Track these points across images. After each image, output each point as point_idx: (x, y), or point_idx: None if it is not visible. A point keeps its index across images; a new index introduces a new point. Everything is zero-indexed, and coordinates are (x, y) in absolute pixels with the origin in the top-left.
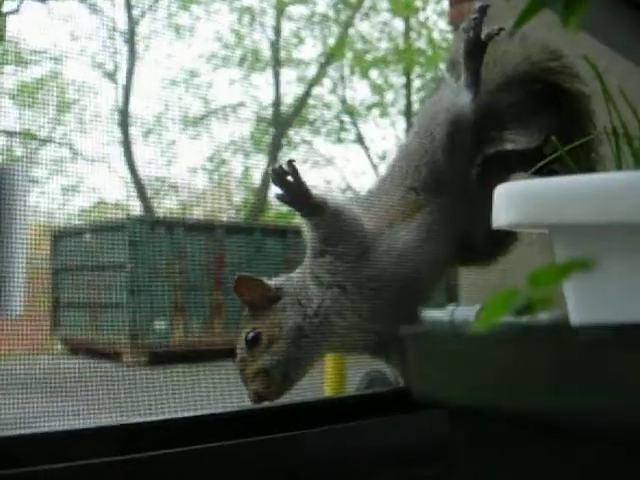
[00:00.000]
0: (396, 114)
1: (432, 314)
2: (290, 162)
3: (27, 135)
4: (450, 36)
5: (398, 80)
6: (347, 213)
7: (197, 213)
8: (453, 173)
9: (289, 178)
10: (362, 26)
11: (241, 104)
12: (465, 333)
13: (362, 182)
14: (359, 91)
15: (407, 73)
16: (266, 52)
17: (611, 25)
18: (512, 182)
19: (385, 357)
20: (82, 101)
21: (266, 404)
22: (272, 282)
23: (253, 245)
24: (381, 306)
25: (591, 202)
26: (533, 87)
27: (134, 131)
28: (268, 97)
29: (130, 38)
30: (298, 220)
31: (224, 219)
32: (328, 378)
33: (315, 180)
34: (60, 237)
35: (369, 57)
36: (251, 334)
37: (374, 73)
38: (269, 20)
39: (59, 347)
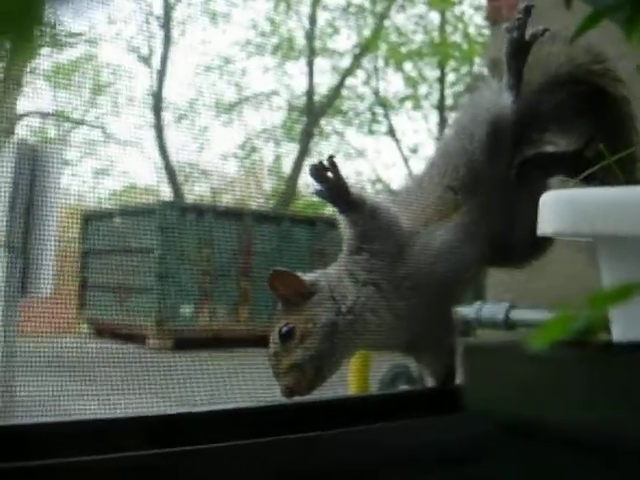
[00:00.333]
0: (429, 107)
1: (459, 311)
2: (330, 158)
3: (61, 116)
4: (486, 31)
5: (432, 73)
6: (385, 211)
7: (227, 200)
8: (491, 174)
9: (329, 174)
10: (398, 18)
11: (274, 92)
12: (522, 351)
13: (392, 174)
14: (392, 83)
15: (441, 67)
16: (301, 41)
17: None
18: (559, 190)
19: (416, 356)
20: (116, 84)
21: (295, 399)
22: (307, 277)
23: (281, 234)
24: (415, 305)
25: (637, 214)
26: (576, 89)
27: (167, 116)
28: (301, 86)
29: (166, 23)
30: (327, 210)
31: (253, 207)
32: (352, 375)
33: (346, 171)
34: (90, 219)
35: (404, 49)
36: (285, 328)
37: (408, 66)
38: (305, 9)
39: (85, 328)
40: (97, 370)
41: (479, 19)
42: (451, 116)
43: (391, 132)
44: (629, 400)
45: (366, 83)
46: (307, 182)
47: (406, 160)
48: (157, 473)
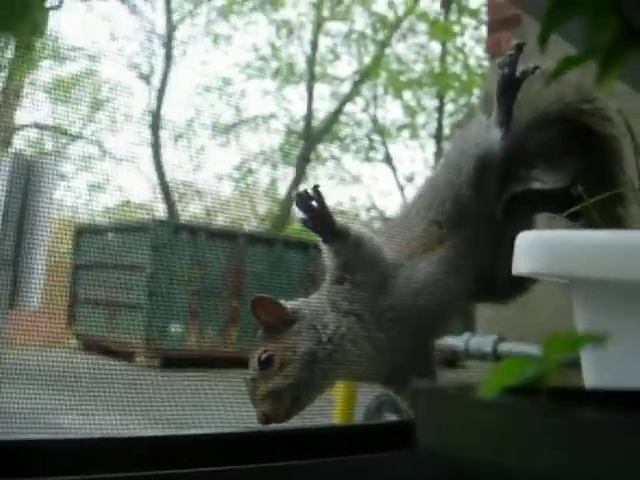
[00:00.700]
0: (426, 137)
1: (448, 341)
2: (315, 187)
3: (58, 130)
4: (486, 63)
5: (431, 103)
6: (369, 242)
7: (220, 220)
8: (478, 209)
9: (313, 203)
10: (399, 47)
11: (272, 115)
12: (471, 396)
13: (388, 202)
14: (391, 111)
15: (440, 97)
16: (301, 66)
17: None
18: (535, 231)
19: (395, 388)
20: (115, 101)
21: (273, 426)
22: (289, 305)
23: (273, 257)
24: (396, 337)
25: (613, 258)
26: (564, 127)
27: (164, 134)
28: (300, 111)
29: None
30: (320, 242)
31: (247, 228)
32: (337, 404)
33: (341, 197)
34: (83, 233)
35: (403, 78)
36: (264, 355)
37: (407, 94)
38: (306, 34)
39: (73, 342)
40: (83, 385)
41: (479, 51)
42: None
43: (388, 160)
44: (571, 450)
45: (365, 110)
46: (299, 218)
47: (402, 188)
48: None
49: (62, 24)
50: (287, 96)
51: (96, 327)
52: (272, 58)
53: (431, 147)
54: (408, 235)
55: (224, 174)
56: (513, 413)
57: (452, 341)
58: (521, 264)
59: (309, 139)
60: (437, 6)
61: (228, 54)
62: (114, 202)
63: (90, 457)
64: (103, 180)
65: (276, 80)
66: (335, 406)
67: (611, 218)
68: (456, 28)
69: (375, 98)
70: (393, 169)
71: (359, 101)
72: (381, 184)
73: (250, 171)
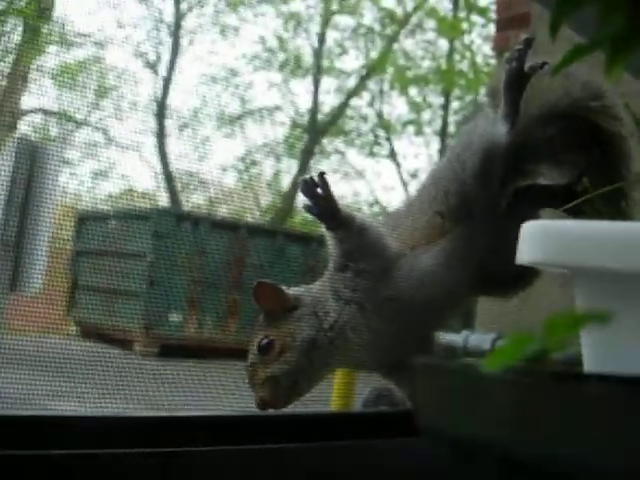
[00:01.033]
0: (431, 134)
1: (447, 338)
2: (321, 174)
3: (64, 116)
4: (493, 61)
5: (437, 100)
6: (373, 231)
7: (223, 211)
8: (481, 202)
9: (318, 190)
10: (406, 43)
11: (278, 108)
12: (474, 371)
13: (391, 197)
14: (397, 107)
15: (446, 94)
16: (308, 59)
17: None
18: (539, 220)
19: (395, 379)
20: (121, 88)
21: (271, 412)
22: (291, 291)
23: (275, 249)
24: (397, 328)
25: (616, 249)
26: (572, 124)
27: (169, 123)
28: (306, 104)
29: (175, 31)
30: (323, 229)
31: (249, 220)
32: (336, 392)
33: (344, 191)
34: (85, 220)
35: (410, 74)
36: (265, 341)
37: (413, 90)
38: (314, 27)
39: (72, 329)
40: (81, 371)
41: (487, 49)
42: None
43: (392, 155)
44: (580, 431)
45: (370, 105)
46: (303, 199)
47: (405, 184)
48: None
49: (69, 10)
50: (293, 89)
51: (95, 314)
52: (279, 50)
53: (436, 144)
54: (411, 226)
55: (228, 165)
56: (517, 389)
57: (451, 338)
58: (524, 253)
59: (314, 132)
60: (446, 3)
61: (235, 45)
62: (117, 190)
63: (88, 433)
64: (107, 167)
65: (282, 73)
66: (334, 394)
67: (615, 212)
68: (464, 26)
69: (381, 93)
70: (397, 165)
71: (365, 96)
72: (385, 179)
73: (254, 163)
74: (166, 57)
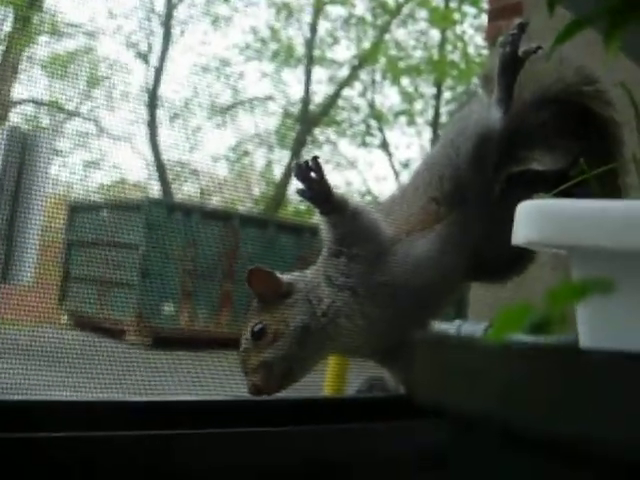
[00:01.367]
0: (423, 124)
1: (439, 327)
2: (315, 158)
3: (55, 106)
4: (485, 52)
5: (428, 90)
6: (366, 216)
7: (215, 201)
8: (476, 187)
9: (312, 174)
10: (398, 33)
11: (270, 98)
12: (475, 344)
13: (383, 187)
14: (389, 97)
15: (438, 84)
16: (300, 49)
17: None
18: (535, 200)
19: (388, 365)
20: (112, 78)
21: (264, 397)
22: (285, 277)
23: (267, 239)
24: (391, 314)
25: (612, 227)
26: (565, 109)
27: (161, 113)
28: (297, 94)
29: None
30: (315, 219)
31: (241, 210)
32: (329, 378)
33: (336, 182)
34: (77, 211)
35: (402, 64)
36: (258, 326)
37: (405, 81)
38: (306, 17)
39: (64, 319)
40: (74, 362)
41: (479, 39)
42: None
43: (384, 145)
44: (580, 404)
45: (362, 95)
46: (296, 189)
47: (397, 174)
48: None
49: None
50: (285, 79)
51: (88, 305)
52: (271, 40)
53: (428, 134)
54: (406, 212)
55: (220, 155)
56: (519, 361)
57: (443, 327)
58: (519, 233)
59: (306, 123)
60: None
61: (227, 35)
62: (109, 180)
63: (82, 417)
64: (99, 158)
65: (274, 63)
66: (326, 380)
67: (609, 192)
68: (456, 16)
69: (373, 83)
70: (389, 155)
71: (357, 86)
72: (377, 169)
73: (246, 153)
74: (158, 47)
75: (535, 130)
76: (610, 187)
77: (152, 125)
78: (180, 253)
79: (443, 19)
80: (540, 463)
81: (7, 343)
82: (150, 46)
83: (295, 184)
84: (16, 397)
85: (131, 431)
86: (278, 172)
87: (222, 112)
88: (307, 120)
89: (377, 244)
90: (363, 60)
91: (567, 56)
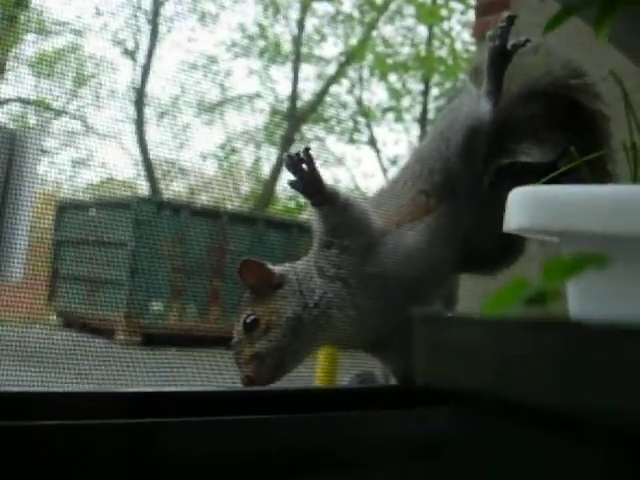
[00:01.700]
0: (411, 120)
1: None
2: (306, 149)
3: (42, 105)
4: (472, 48)
5: (416, 86)
6: (357, 207)
7: (203, 199)
8: (465, 180)
9: (303, 165)
10: (385, 29)
11: (257, 95)
12: (472, 318)
13: (371, 184)
14: (376, 94)
15: (426, 80)
16: (287, 46)
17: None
18: (527, 187)
19: (380, 355)
20: (99, 76)
21: (257, 387)
22: (276, 269)
23: (255, 236)
24: (383, 304)
25: (604, 212)
26: (553, 102)
27: (149, 111)
28: (285, 91)
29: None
30: (304, 216)
31: (229, 207)
32: (319, 370)
33: (325, 178)
34: (65, 209)
35: (389, 61)
36: (250, 317)
37: (393, 77)
38: (293, 14)
39: (54, 318)
40: (63, 360)
41: (466, 35)
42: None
43: (372, 142)
44: (578, 375)
45: (350, 92)
46: (285, 186)
47: (385, 171)
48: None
49: None
50: (272, 76)
51: (77, 304)
52: (259, 37)
53: (415, 131)
54: (396, 203)
55: (208, 152)
56: (517, 334)
57: None
58: (511, 220)
59: (293, 120)
60: None
61: (214, 32)
62: (97, 178)
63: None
64: (86, 156)
65: (262, 60)
66: (317, 372)
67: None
68: (443, 12)
69: (361, 80)
70: (377, 151)
71: (344, 83)
72: (365, 166)
73: (234, 150)
74: (145, 45)
75: (523, 123)
76: (600, 174)
77: (140, 123)
78: (169, 251)
79: (430, 15)
80: (543, 438)
81: None
82: (137, 43)
83: (285, 178)
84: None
85: (118, 419)
86: (266, 169)
87: (210, 109)
88: (295, 117)
89: (368, 235)
90: (351, 57)
91: (555, 49)
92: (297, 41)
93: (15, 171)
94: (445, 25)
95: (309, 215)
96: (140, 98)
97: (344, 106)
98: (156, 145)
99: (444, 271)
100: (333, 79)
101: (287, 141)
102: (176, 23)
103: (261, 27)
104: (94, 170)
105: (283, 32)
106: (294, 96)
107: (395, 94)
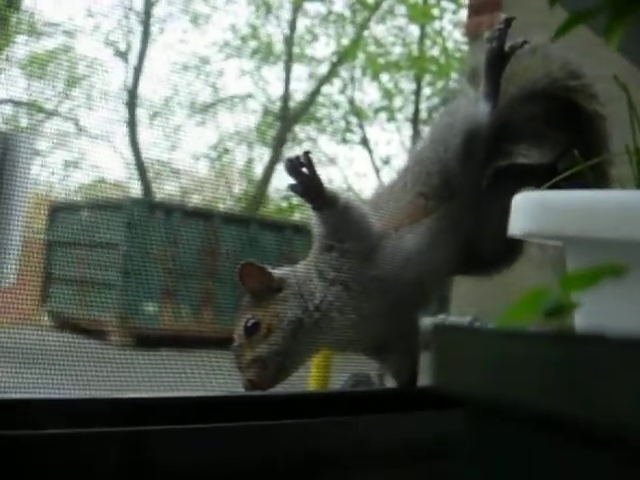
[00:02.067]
0: (403, 120)
1: (423, 321)
2: (306, 153)
3: (34, 106)
4: (464, 47)
5: (408, 86)
6: (357, 210)
7: (196, 200)
8: (464, 182)
9: (304, 169)
10: (377, 29)
11: (249, 95)
12: (491, 330)
13: (364, 184)
14: (368, 94)
15: (418, 80)
16: (279, 46)
17: None
18: (531, 192)
19: (380, 358)
20: (91, 77)
21: (257, 392)
22: (276, 272)
23: (248, 237)
24: (383, 307)
25: (609, 218)
26: (551, 104)
27: (141, 112)
28: (277, 91)
29: (145, 19)
30: (297, 216)
31: (222, 208)
32: (313, 374)
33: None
34: (57, 211)
35: (381, 60)
36: (251, 321)
37: (385, 77)
38: (285, 14)
39: (46, 320)
40: (57, 363)
41: (458, 35)
42: (425, 129)
43: (364, 142)
44: (576, 386)
45: (342, 92)
46: (278, 187)
47: (378, 170)
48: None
49: None
50: (265, 76)
51: (70, 306)
52: (250, 38)
53: (408, 130)
54: (395, 206)
55: (200, 153)
56: (539, 346)
57: (426, 322)
58: (516, 225)
59: (286, 120)
60: None
61: (206, 33)
62: (89, 180)
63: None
64: (79, 157)
65: (254, 60)
66: (311, 376)
67: (597, 184)
68: (435, 12)
69: (352, 80)
70: (369, 151)
71: (336, 83)
72: (357, 166)
73: (226, 151)
74: (137, 46)
75: (522, 125)
76: (599, 176)
77: (132, 124)
78: (162, 252)
79: (422, 15)
80: (566, 451)
81: None
82: (129, 44)
83: (278, 178)
84: None
85: (115, 427)
86: (259, 170)
87: (202, 110)
88: (287, 117)
89: (368, 238)
90: (342, 57)
91: (553, 51)
92: (289, 41)
93: (7, 173)
94: (437, 24)
95: (303, 216)
96: (132, 99)
97: (336, 106)
98: (148, 146)
99: (443, 273)
100: (325, 79)
101: (279, 141)
102: (168, 24)
103: (253, 27)
104: (86, 171)
105: (275, 32)
106: (286, 96)
107: (387, 94)
